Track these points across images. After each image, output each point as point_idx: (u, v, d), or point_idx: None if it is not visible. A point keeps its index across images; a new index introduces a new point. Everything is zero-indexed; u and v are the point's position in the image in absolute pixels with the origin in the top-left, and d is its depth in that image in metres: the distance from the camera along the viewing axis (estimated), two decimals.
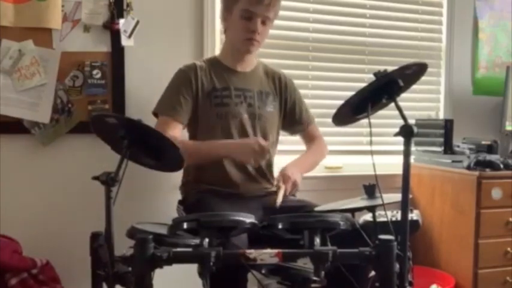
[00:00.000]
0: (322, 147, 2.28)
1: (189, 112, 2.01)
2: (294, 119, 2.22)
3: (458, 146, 2.67)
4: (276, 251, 1.33)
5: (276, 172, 2.15)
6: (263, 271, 1.46)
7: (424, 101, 2.96)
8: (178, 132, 1.99)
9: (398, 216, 1.44)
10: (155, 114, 2.04)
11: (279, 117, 2.17)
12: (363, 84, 1.44)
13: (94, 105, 2.24)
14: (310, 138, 2.27)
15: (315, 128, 2.29)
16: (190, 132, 2.08)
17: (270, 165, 2.12)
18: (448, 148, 2.60)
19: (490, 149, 2.65)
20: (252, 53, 2.06)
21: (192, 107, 2.01)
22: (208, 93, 2.03)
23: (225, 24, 2.07)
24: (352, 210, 1.58)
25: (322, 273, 1.31)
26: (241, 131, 2.04)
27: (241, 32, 1.99)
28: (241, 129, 2.04)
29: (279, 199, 1.86)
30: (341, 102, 1.48)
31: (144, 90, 2.30)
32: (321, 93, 2.71)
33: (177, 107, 1.99)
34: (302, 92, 2.42)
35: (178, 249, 1.35)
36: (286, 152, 2.31)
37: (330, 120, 1.56)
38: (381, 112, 1.59)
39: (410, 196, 1.46)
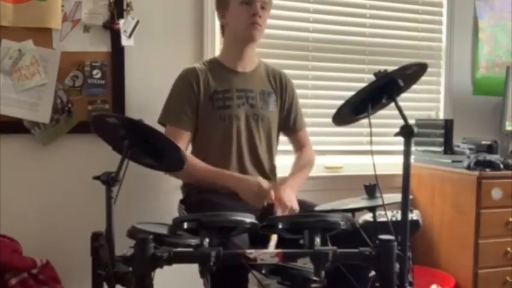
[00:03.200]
0: (311, 158, 2.23)
1: (194, 118, 2.02)
2: (288, 122, 2.20)
3: (458, 146, 2.67)
4: (276, 251, 1.33)
5: (276, 172, 2.17)
6: (263, 271, 1.46)
7: (424, 101, 2.97)
8: (186, 142, 2.02)
9: (399, 216, 1.44)
10: (161, 123, 2.04)
11: (279, 117, 2.17)
12: (363, 84, 1.44)
13: (94, 105, 2.24)
14: (299, 144, 2.24)
15: (305, 134, 2.27)
16: (194, 137, 2.07)
17: (271, 165, 2.13)
18: (448, 148, 2.60)
19: (490, 149, 2.65)
20: (256, 39, 2.04)
21: (195, 112, 2.02)
22: (210, 96, 2.03)
23: (224, 21, 2.06)
24: (353, 210, 1.58)
25: (322, 273, 1.31)
26: (246, 133, 2.04)
27: (244, 18, 1.98)
28: (245, 130, 2.04)
29: (271, 247, 1.55)
30: (341, 102, 1.48)
31: (144, 90, 2.30)
32: (321, 93, 2.71)
33: (183, 116, 2.00)
34: (302, 92, 2.43)
35: (179, 249, 1.35)
36: (286, 152, 2.31)
37: (330, 120, 1.56)
38: (381, 112, 1.59)
39: (411, 196, 1.46)
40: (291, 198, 1.85)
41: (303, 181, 2.11)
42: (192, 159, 1.96)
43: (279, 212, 1.80)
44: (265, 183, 1.87)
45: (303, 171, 2.14)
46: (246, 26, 1.99)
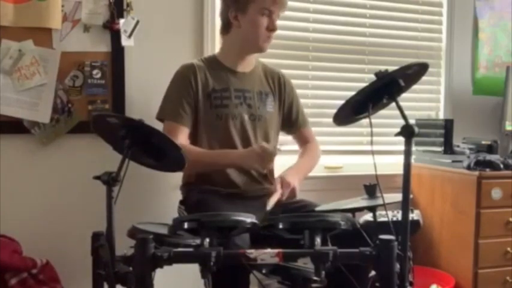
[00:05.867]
0: (317, 151, 2.25)
1: (192, 114, 2.01)
2: (290, 119, 2.21)
3: (458, 146, 2.67)
4: (276, 251, 1.33)
5: (276, 173, 2.16)
6: (264, 271, 1.46)
7: (424, 101, 2.97)
8: (185, 137, 1.99)
9: (399, 216, 1.44)
10: (159, 119, 2.03)
11: (278, 117, 2.17)
12: (363, 84, 1.44)
13: (94, 105, 2.24)
14: (304, 141, 2.25)
15: (309, 131, 2.27)
16: (191, 133, 2.07)
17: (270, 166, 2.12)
18: (448, 148, 2.61)
19: (490, 149, 2.65)
20: (266, 50, 2.06)
21: (193, 108, 2.01)
22: (207, 94, 2.02)
23: (236, 22, 2.01)
24: (353, 210, 1.58)
25: (323, 273, 1.31)
26: (242, 133, 2.03)
27: (261, 30, 1.98)
28: (242, 130, 2.03)
29: (272, 202, 1.81)
30: (341, 102, 1.48)
31: (144, 90, 2.30)
32: (321, 93, 2.71)
33: (181, 111, 1.99)
34: (302, 92, 2.43)
35: (179, 249, 1.35)
36: (286, 152, 2.30)
37: (330, 120, 1.56)
38: (381, 112, 1.59)
39: (411, 196, 1.46)
40: (293, 179, 1.92)
41: (308, 170, 2.14)
42: (187, 146, 1.94)
43: (278, 188, 1.87)
44: (267, 145, 1.89)
45: (307, 160, 2.17)
46: (262, 39, 2.00)
